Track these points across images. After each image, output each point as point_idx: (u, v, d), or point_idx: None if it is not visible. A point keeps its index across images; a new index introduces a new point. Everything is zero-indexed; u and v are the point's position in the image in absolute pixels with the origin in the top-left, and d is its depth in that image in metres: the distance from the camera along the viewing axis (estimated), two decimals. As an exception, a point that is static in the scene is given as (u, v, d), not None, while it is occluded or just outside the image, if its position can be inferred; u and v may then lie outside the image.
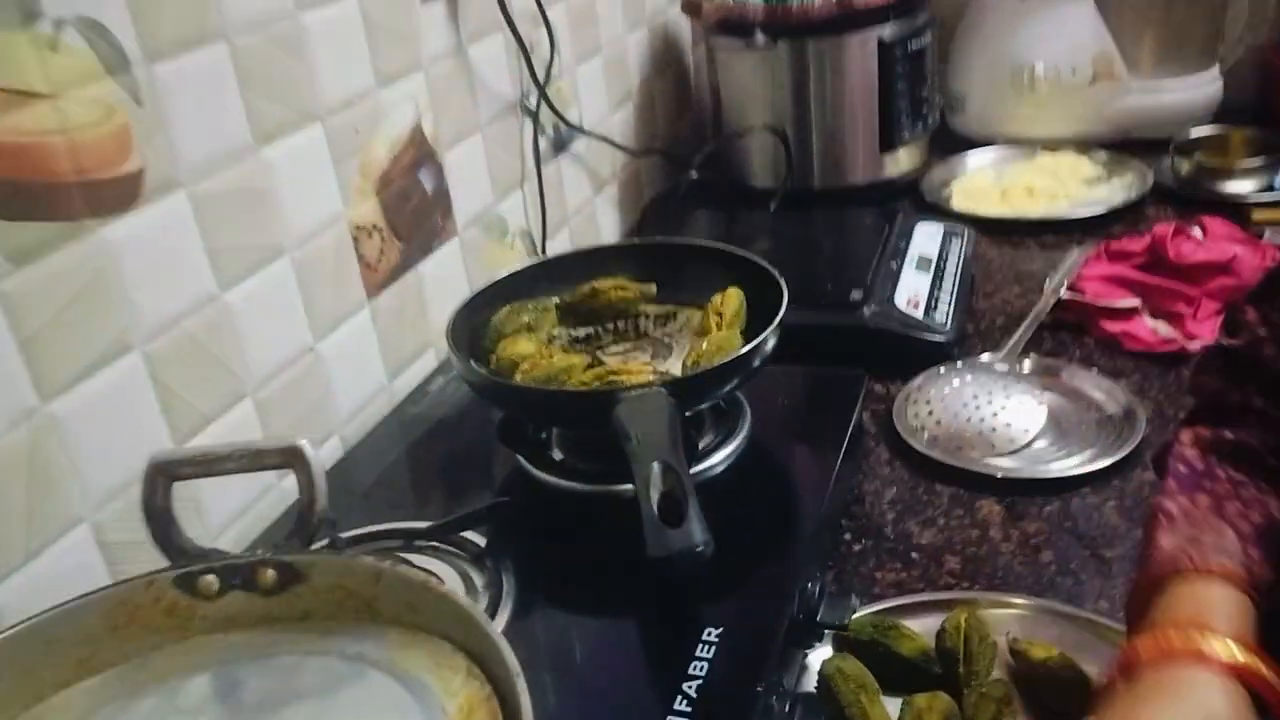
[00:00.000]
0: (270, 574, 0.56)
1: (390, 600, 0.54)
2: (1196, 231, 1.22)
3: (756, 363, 0.81)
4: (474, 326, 0.92)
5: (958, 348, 1.13)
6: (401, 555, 0.76)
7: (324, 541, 0.78)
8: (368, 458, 0.93)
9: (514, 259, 1.22)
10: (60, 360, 0.69)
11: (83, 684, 0.54)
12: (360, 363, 0.98)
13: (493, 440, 0.89)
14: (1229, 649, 0.55)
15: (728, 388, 0.81)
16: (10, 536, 0.67)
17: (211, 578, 0.56)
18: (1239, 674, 0.54)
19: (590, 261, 0.99)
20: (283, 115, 0.86)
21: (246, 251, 0.84)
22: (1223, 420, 0.68)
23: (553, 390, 0.80)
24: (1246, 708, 0.54)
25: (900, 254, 1.22)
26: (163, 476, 0.56)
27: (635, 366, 0.81)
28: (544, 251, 1.26)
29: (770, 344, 0.82)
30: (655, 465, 0.65)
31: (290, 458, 0.56)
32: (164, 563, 0.56)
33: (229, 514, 0.83)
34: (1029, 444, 0.98)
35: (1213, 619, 0.57)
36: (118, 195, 0.72)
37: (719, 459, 0.84)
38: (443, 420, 0.97)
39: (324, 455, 0.94)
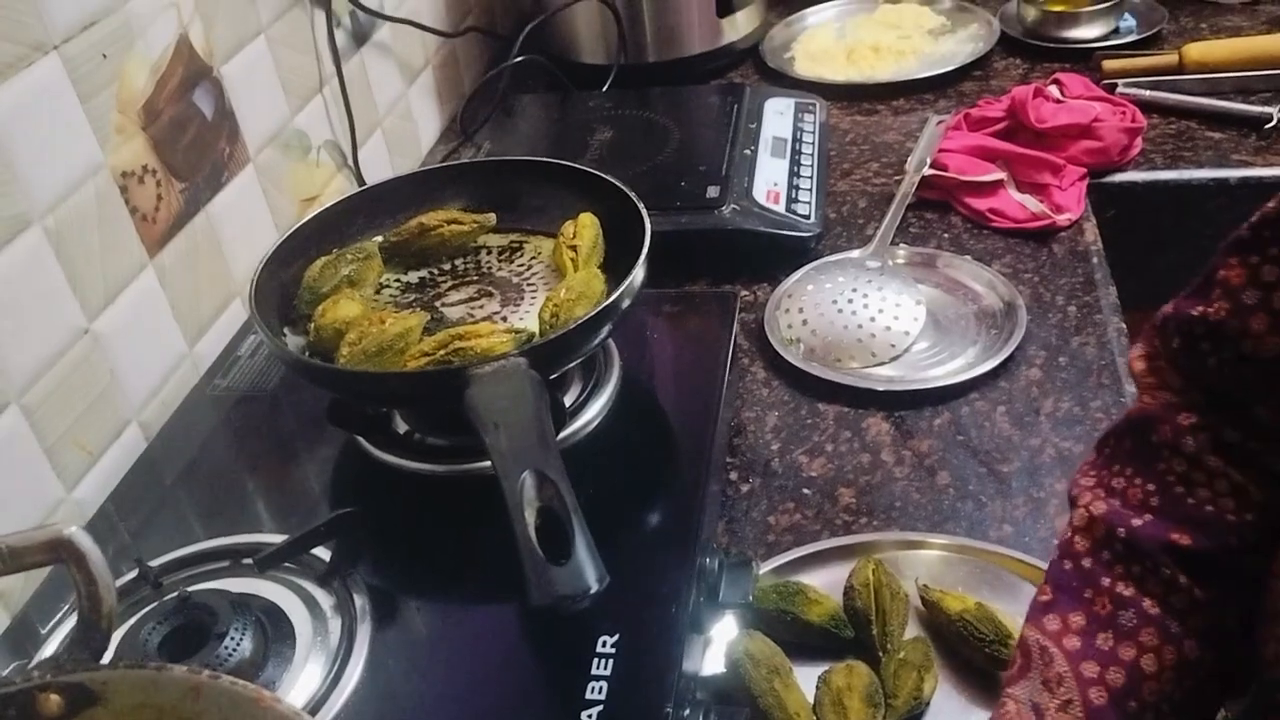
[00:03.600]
0: (54, 700, 0.43)
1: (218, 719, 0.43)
2: (1054, 90, 1.16)
3: (626, 305, 0.70)
4: (284, 284, 0.77)
5: (824, 241, 1.05)
6: (224, 585, 0.64)
7: (132, 574, 0.66)
8: (175, 446, 0.79)
9: (322, 178, 1.06)
10: None
11: None
12: (151, 334, 0.83)
13: (322, 413, 0.76)
14: None
15: (596, 341, 0.70)
16: None
17: (-27, 715, 0.43)
18: None
19: (413, 189, 0.85)
20: (3, 51, 0.68)
21: (-22, 230, 0.67)
22: (1165, 451, 0.54)
23: (386, 374, 0.68)
24: None
25: (753, 138, 1.12)
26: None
27: (484, 327, 0.69)
28: (356, 163, 1.10)
29: (639, 281, 0.71)
30: (527, 476, 0.55)
31: (58, 551, 0.43)
32: None
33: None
34: (909, 347, 0.92)
35: None
36: None
37: (589, 416, 0.74)
38: (259, 390, 0.83)
39: (123, 448, 0.80)
